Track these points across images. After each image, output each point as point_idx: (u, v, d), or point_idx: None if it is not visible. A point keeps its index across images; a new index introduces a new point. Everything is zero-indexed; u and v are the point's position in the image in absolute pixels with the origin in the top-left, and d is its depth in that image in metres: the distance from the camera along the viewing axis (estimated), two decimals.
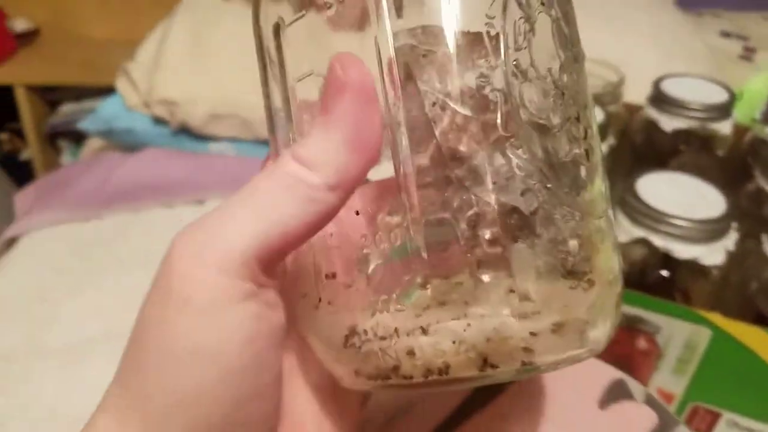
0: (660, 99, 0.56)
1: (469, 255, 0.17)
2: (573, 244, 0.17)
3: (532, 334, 0.17)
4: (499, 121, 0.17)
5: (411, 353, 0.17)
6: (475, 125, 0.17)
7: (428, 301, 0.17)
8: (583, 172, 0.18)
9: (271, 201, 0.17)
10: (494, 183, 0.17)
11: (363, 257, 0.18)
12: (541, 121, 0.18)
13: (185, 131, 0.91)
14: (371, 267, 0.18)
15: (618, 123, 0.57)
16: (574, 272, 0.17)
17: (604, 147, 0.53)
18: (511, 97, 0.17)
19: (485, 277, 0.17)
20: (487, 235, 0.17)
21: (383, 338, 0.17)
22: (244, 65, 0.70)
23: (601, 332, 0.18)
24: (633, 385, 0.31)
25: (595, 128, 0.19)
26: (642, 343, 0.48)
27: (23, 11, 1.45)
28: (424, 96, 0.17)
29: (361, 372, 0.18)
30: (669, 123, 0.55)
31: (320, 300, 0.19)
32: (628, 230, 0.45)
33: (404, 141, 0.17)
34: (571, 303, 0.17)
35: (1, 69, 1.35)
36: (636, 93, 0.62)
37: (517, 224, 0.17)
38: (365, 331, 0.18)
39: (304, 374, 0.20)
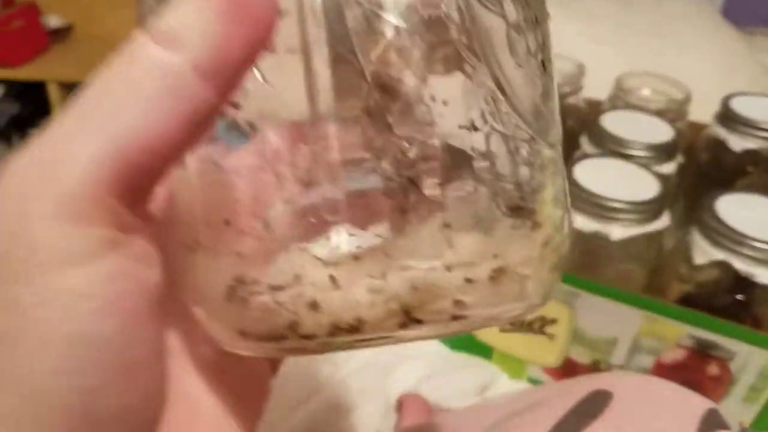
0: (728, 118, 0.55)
1: (394, 201, 0.14)
2: (522, 172, 0.15)
3: (468, 281, 0.14)
4: (450, 23, 0.14)
5: (314, 306, 0.14)
6: (415, 40, 0.14)
7: (340, 256, 0.14)
8: (538, 85, 0.15)
9: (121, 102, 0.12)
10: (432, 115, 0.14)
11: (263, 199, 0.14)
12: (496, 16, 0.14)
13: None
14: (273, 212, 0.14)
15: (683, 141, 0.56)
16: (519, 209, 0.15)
17: (674, 165, 0.51)
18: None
19: (413, 227, 0.14)
20: (418, 177, 0.14)
21: (279, 288, 0.14)
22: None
23: (539, 287, 0.16)
24: (725, 414, 0.29)
25: (550, 43, 0.16)
26: (714, 369, 0.46)
27: (57, 8, 1.45)
28: (347, 5, 0.14)
29: (248, 332, 0.15)
30: (738, 143, 0.54)
31: (199, 243, 0.15)
32: (707, 252, 0.43)
33: (322, 65, 0.14)
34: (513, 247, 0.15)
35: (33, 65, 1.35)
36: (696, 111, 0.61)
37: (456, 162, 0.14)
38: (256, 281, 0.14)
39: (190, 345, 0.17)
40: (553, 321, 0.48)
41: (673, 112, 0.58)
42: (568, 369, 0.51)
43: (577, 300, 0.45)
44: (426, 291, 0.14)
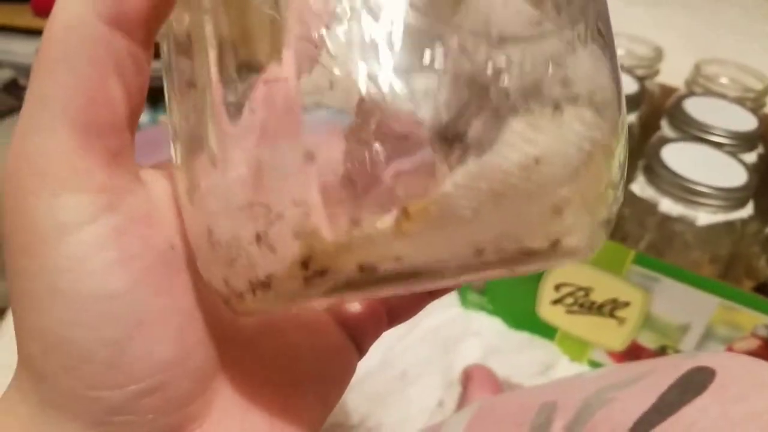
0: None
1: None
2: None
3: (354, 222, 0.12)
4: None
5: (230, 261, 0.13)
6: None
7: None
8: None
9: (53, 66, 0.12)
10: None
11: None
12: None
13: None
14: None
15: (762, 132, 0.55)
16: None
17: (755, 155, 0.51)
18: None
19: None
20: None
21: (215, 244, 0.13)
22: None
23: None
24: None
25: None
26: None
27: None
28: None
29: (217, 293, 0.14)
30: None
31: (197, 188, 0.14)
32: None
33: None
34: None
35: None
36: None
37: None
38: (218, 240, 0.13)
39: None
40: (626, 304, 0.48)
41: (751, 102, 0.57)
42: (633, 353, 0.51)
43: (656, 284, 0.45)
44: (312, 234, 0.12)
